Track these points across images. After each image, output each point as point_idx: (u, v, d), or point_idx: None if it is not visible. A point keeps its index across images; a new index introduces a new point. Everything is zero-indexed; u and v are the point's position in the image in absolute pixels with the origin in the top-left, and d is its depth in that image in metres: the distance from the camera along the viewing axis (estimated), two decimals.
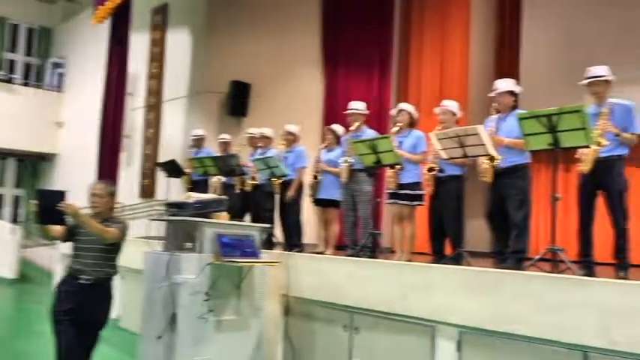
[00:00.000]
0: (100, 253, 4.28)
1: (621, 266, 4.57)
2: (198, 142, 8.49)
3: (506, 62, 8.92)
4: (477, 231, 6.13)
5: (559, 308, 3.63)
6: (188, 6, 10.21)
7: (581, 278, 3.86)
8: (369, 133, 6.21)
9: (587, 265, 4.65)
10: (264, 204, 6.96)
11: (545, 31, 8.41)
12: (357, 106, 6.29)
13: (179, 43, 10.15)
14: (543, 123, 4.24)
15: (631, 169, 5.76)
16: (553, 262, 4.29)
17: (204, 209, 4.82)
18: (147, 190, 10.46)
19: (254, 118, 9.51)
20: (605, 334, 3.41)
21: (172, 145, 9.89)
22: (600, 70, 4.67)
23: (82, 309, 4.21)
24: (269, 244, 6.48)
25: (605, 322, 3.41)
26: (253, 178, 7.26)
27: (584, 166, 4.60)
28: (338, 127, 6.73)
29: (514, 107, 5.14)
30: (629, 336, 3.31)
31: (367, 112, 6.36)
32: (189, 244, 4.72)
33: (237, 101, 9.72)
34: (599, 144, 4.39)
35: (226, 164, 7.17)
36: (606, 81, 4.63)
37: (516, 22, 8.84)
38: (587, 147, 4.38)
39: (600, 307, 3.45)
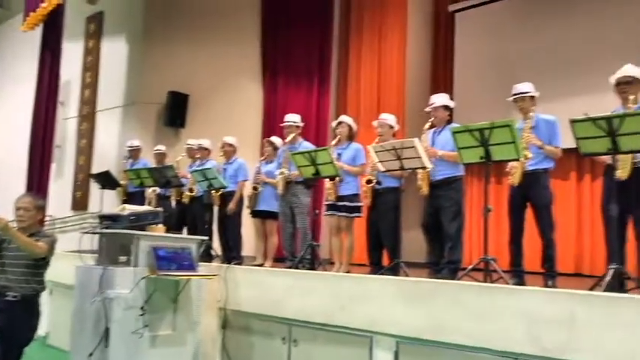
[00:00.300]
0: (27, 269, 4.10)
1: (549, 275, 4.76)
2: (134, 153, 8.31)
3: (442, 77, 9.19)
4: (414, 242, 6.25)
5: (492, 316, 3.73)
6: (124, 14, 10.00)
7: (512, 287, 3.99)
8: (305, 145, 6.28)
9: (517, 274, 4.83)
10: (202, 216, 6.86)
11: (476, 47, 8.71)
12: (293, 118, 6.37)
13: (115, 52, 9.92)
14: (476, 137, 4.38)
15: (557, 182, 6.06)
16: (486, 271, 4.41)
17: (140, 222, 4.70)
18: (79, 203, 10.12)
19: (192, 129, 9.38)
20: (535, 340, 3.52)
21: (107, 156, 9.62)
22: (525, 87, 4.91)
23: (7, 326, 4.02)
24: (207, 256, 6.39)
25: (535, 329, 3.53)
26: (191, 190, 7.16)
27: (513, 179, 4.79)
28: (277, 139, 6.76)
29: (449, 121, 5.31)
30: (557, 342, 3.43)
31: (302, 124, 6.44)
32: (123, 258, 4.59)
33: (175, 112, 9.57)
34: (525, 157, 4.58)
35: (162, 176, 7.03)
36: (531, 97, 4.86)
37: (451, 39, 9.12)
38: (516, 160, 4.56)
39: (530, 315, 3.57)
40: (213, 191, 6.62)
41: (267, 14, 9.89)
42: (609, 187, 4.25)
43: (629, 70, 4.35)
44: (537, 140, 4.70)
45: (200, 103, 9.68)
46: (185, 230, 7.33)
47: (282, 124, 6.42)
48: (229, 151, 6.98)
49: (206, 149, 7.37)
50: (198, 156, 7.41)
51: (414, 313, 4.12)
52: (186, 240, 5.06)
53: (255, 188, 6.60)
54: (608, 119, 3.76)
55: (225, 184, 6.57)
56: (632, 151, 3.97)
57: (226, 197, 6.72)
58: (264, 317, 5.15)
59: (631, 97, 4.23)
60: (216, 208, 6.83)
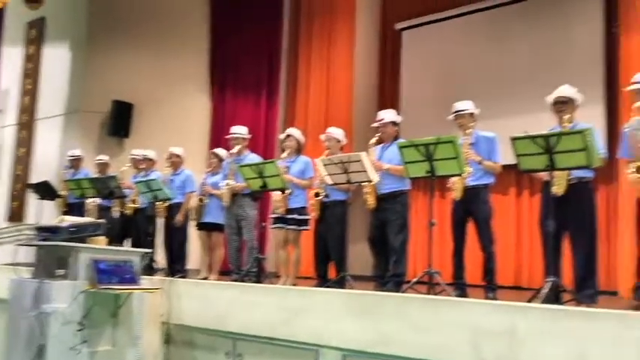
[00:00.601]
0: None
1: (490, 287, 4.89)
2: (75, 162, 8.07)
3: (389, 93, 9.34)
4: (361, 255, 6.30)
5: (435, 328, 3.79)
6: (67, 20, 9.74)
7: (455, 299, 4.07)
8: (251, 157, 6.26)
9: (460, 286, 4.93)
10: (145, 228, 6.72)
11: (422, 65, 8.89)
12: (239, 130, 6.35)
13: (56, 59, 9.64)
14: (421, 152, 4.47)
15: (497, 197, 6.23)
16: (430, 284, 4.49)
17: (80, 233, 4.56)
18: (15, 213, 9.74)
19: (136, 139, 9.20)
20: (476, 352, 3.59)
21: (47, 165, 9.30)
22: (464, 105, 5.07)
23: None
24: (149, 269, 6.26)
25: (476, 341, 3.60)
26: (134, 201, 7.01)
27: (455, 194, 4.92)
28: (221, 151, 6.72)
29: (396, 137, 5.41)
30: (496, 353, 3.51)
31: (249, 136, 6.44)
32: (61, 271, 4.43)
33: (119, 121, 9.36)
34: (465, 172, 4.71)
35: (105, 186, 6.85)
36: (470, 114, 5.03)
37: (397, 55, 9.29)
38: (459, 175, 4.68)
39: (472, 327, 3.64)
40: (158, 203, 6.51)
41: (216, 24, 9.80)
42: (547, 203, 4.40)
43: (565, 90, 4.54)
44: (476, 156, 4.84)
45: (145, 113, 9.51)
46: (128, 242, 7.15)
47: (227, 136, 6.40)
48: (177, 162, 6.90)
49: (151, 160, 7.25)
50: (142, 167, 7.27)
51: (359, 325, 4.14)
52: (128, 252, 4.94)
53: (200, 200, 6.52)
54: (545, 137, 3.91)
55: (171, 196, 6.47)
56: (567, 168, 4.14)
57: (173, 209, 6.63)
58: (208, 331, 5.07)
59: (566, 117, 4.42)
60: (160, 220, 6.71)
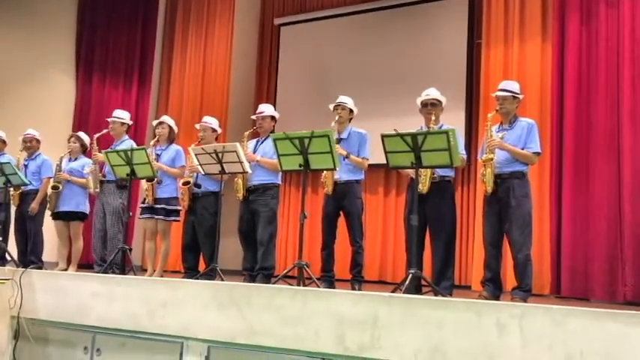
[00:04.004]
0: None
1: (356, 280, 5.06)
2: None
3: (265, 86, 9.35)
4: (232, 248, 6.23)
5: (302, 319, 3.84)
6: None
7: (322, 290, 4.16)
8: (129, 143, 5.99)
9: (328, 279, 5.05)
10: None
11: (299, 61, 8.98)
12: (121, 114, 6.14)
13: None
14: (296, 145, 4.51)
15: (366, 195, 6.46)
16: (299, 277, 4.54)
17: None
18: None
19: None
20: (340, 341, 3.69)
21: None
22: (347, 99, 5.21)
23: None
24: (1, 259, 5.76)
25: (340, 331, 3.70)
26: None
27: (327, 188, 5.03)
28: (84, 135, 6.34)
29: (272, 132, 5.42)
30: (359, 341, 3.63)
31: (130, 122, 6.24)
32: None
33: None
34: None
35: None
36: (350, 110, 5.19)
37: (276, 50, 9.32)
38: (334, 169, 4.77)
39: (338, 317, 3.74)
40: (10, 188, 6.01)
41: (85, 9, 9.14)
42: (412, 199, 4.62)
43: (433, 93, 4.80)
44: (342, 150, 4.97)
45: (1, 92, 8.70)
46: None
47: (108, 119, 6.11)
48: (34, 147, 6.41)
49: (2, 141, 6.66)
50: None
51: (226, 317, 4.09)
52: None
53: (55, 187, 6.03)
54: (413, 136, 4.10)
55: (26, 181, 6.00)
56: (432, 166, 4.38)
57: (27, 196, 6.16)
58: (65, 325, 4.76)
59: (433, 118, 4.67)
60: (14, 208, 6.20)
